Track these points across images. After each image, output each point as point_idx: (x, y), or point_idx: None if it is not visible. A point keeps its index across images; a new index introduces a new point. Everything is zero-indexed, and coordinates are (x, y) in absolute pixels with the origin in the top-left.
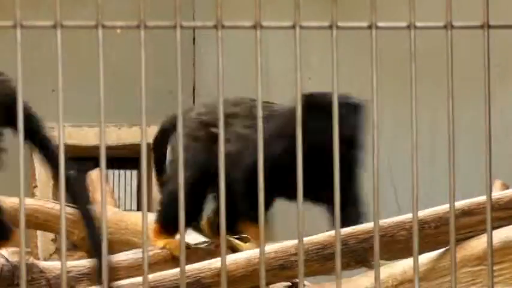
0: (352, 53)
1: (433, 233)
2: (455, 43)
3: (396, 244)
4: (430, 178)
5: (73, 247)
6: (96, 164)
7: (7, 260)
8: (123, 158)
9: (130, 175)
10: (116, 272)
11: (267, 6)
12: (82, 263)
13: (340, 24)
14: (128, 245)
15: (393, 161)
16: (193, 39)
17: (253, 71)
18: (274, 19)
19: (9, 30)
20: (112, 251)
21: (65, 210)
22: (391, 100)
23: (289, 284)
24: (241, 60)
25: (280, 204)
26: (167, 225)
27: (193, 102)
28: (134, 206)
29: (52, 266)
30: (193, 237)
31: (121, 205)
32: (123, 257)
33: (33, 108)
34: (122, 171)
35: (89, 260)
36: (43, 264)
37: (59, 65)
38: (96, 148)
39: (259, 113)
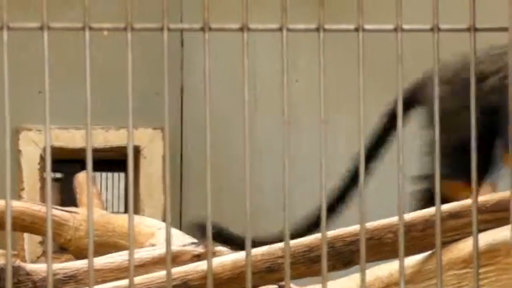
0: (340, 56)
1: (419, 236)
2: (443, 46)
3: (383, 246)
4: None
5: (60, 250)
6: (83, 166)
7: None
8: (110, 161)
9: (118, 177)
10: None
11: (255, 8)
12: (69, 266)
13: (327, 26)
14: (116, 248)
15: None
16: (181, 41)
17: (240, 73)
18: (262, 21)
19: None
20: (99, 253)
21: (51, 213)
22: (378, 102)
23: (276, 286)
24: (229, 63)
25: (266, 206)
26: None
27: (181, 104)
28: (122, 209)
29: (39, 268)
30: (181, 240)
31: (108, 207)
32: (109, 259)
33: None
34: (109, 174)
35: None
36: (30, 266)
37: (45, 67)
38: (83, 150)
39: (246, 116)
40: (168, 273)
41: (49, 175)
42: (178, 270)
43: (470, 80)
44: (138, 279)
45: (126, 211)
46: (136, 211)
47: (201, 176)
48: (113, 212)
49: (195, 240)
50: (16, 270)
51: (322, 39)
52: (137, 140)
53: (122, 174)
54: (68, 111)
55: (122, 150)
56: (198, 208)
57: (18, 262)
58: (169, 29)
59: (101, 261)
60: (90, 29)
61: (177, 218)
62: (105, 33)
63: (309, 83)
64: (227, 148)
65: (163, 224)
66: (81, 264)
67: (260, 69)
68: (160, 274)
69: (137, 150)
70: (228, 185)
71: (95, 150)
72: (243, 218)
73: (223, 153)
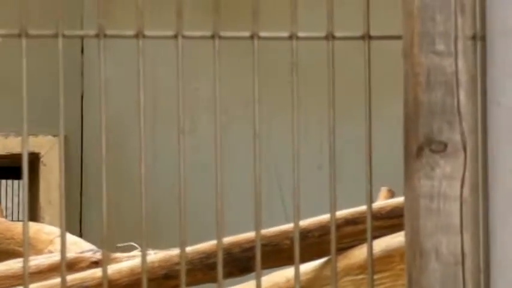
0: (238, 63)
1: (316, 242)
2: (341, 53)
3: (280, 253)
4: (317, 187)
5: None
6: None
7: None
8: (10, 168)
9: (18, 185)
10: None
11: (153, 16)
12: None
13: (222, 34)
14: (14, 255)
15: (281, 170)
16: (82, 48)
17: (137, 80)
18: (162, 28)
19: None
20: None
21: None
22: (278, 110)
23: None
24: (128, 70)
25: (168, 211)
26: None
27: (81, 111)
28: (22, 217)
29: None
30: (80, 246)
31: (8, 215)
32: (6, 267)
33: None
34: (9, 181)
35: None
36: None
37: None
38: None
39: (142, 123)
40: (63, 280)
41: None
42: (74, 277)
43: (367, 89)
44: (33, 286)
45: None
46: (36, 218)
47: (101, 181)
48: (12, 220)
49: (94, 247)
50: None
51: (217, 47)
52: (37, 147)
53: (22, 182)
54: None
55: (21, 158)
56: (98, 214)
57: None
58: (64, 36)
59: None
60: None
61: (76, 224)
62: (0, 39)
63: (209, 90)
64: (126, 153)
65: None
66: None
67: (159, 76)
68: (56, 281)
69: (37, 158)
70: (127, 191)
71: None
72: (141, 224)
73: (122, 159)
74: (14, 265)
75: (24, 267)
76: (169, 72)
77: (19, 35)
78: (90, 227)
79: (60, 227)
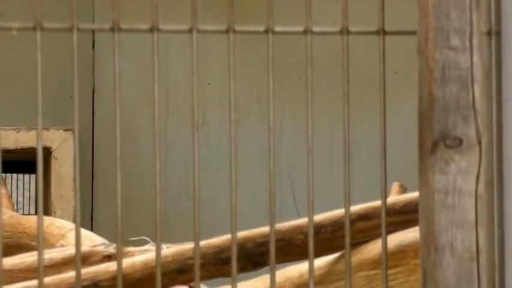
0: (251, 58)
1: (329, 237)
2: (354, 49)
3: (293, 248)
4: (329, 183)
5: None
6: None
7: None
8: (21, 162)
9: (29, 179)
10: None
11: (167, 10)
12: None
13: (237, 28)
14: (26, 249)
15: (292, 167)
16: (93, 42)
17: (152, 74)
18: (175, 23)
19: None
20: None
21: None
22: (290, 105)
23: (186, 287)
24: (141, 64)
25: (180, 205)
26: None
27: (93, 106)
28: (33, 210)
29: None
30: (92, 240)
31: (19, 209)
32: (19, 260)
33: None
34: (20, 175)
35: None
36: None
37: None
38: None
39: (156, 115)
40: (78, 274)
41: None
42: (88, 271)
43: (382, 84)
44: (47, 280)
45: (37, 213)
46: (48, 212)
47: (112, 176)
48: (23, 214)
49: (106, 241)
50: None
51: (232, 41)
52: (48, 141)
53: (33, 176)
54: None
55: (32, 152)
56: (109, 208)
57: None
58: (78, 29)
59: (11, 262)
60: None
61: (88, 218)
62: (14, 33)
63: (221, 85)
64: (138, 148)
65: (74, 225)
66: None
67: (172, 71)
68: (70, 275)
69: (48, 152)
70: (138, 185)
71: (6, 151)
72: (152, 218)
73: (133, 154)
74: (26, 258)
75: (38, 260)
76: (181, 67)
77: (34, 28)
78: (101, 221)
79: (75, 221)
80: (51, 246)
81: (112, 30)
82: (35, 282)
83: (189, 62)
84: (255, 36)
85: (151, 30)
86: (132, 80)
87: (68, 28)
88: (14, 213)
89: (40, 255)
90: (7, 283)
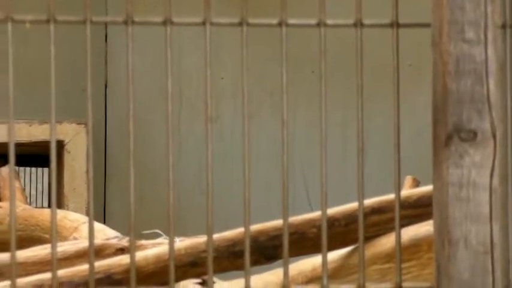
0: (264, 51)
1: (343, 231)
2: (368, 42)
3: (306, 241)
4: (342, 176)
5: None
6: (6, 160)
7: None
8: (34, 155)
9: (42, 172)
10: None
11: (180, 3)
12: None
13: (250, 21)
14: (39, 242)
15: (306, 160)
16: (106, 36)
17: (165, 67)
18: (188, 16)
19: None
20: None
21: None
22: (303, 99)
23: (199, 280)
24: (154, 57)
25: (193, 199)
26: None
27: (105, 99)
28: (45, 203)
29: None
30: (105, 233)
31: (32, 202)
32: (32, 253)
33: None
34: (33, 169)
35: None
36: None
37: None
38: (6, 145)
39: (169, 108)
40: (91, 267)
41: None
42: (101, 264)
43: (396, 77)
44: (61, 273)
45: (49, 206)
46: (60, 206)
47: (124, 170)
48: (36, 207)
49: (119, 234)
50: None
51: (245, 34)
52: (61, 135)
53: (46, 169)
54: None
55: (45, 145)
56: (121, 202)
57: None
58: (92, 22)
59: (24, 255)
60: (13, 20)
61: (101, 212)
62: (28, 25)
63: (234, 79)
64: (150, 142)
65: (86, 218)
66: (3, 257)
67: (185, 64)
68: (83, 267)
69: (61, 145)
70: (151, 179)
71: (19, 145)
72: (165, 212)
73: (146, 148)
74: (40, 251)
75: (52, 253)
76: (194, 61)
77: (47, 21)
78: (114, 214)
79: (89, 215)
80: (64, 239)
81: (125, 23)
82: (48, 275)
83: (202, 55)
84: (268, 29)
85: (165, 23)
86: (145, 73)
87: (81, 21)
88: (27, 206)
89: (54, 248)
90: (21, 276)
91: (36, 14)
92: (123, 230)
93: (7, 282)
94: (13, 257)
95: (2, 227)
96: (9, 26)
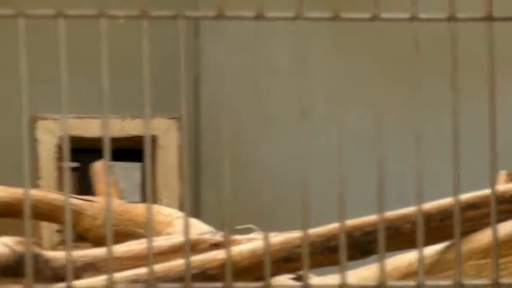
0: (356, 46)
1: (438, 226)
2: (462, 35)
3: (401, 236)
4: (436, 171)
5: (78, 238)
6: (100, 155)
7: (13, 249)
8: (126, 150)
9: (134, 167)
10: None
11: None
12: (87, 253)
13: (343, 16)
14: (133, 237)
15: (400, 155)
16: (196, 30)
17: (256, 61)
18: (280, 10)
19: (10, 20)
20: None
21: (69, 201)
22: (396, 94)
23: (293, 276)
24: (244, 52)
25: (284, 195)
26: None
27: (197, 94)
28: (137, 198)
29: (57, 256)
30: (199, 228)
31: (125, 197)
32: (128, 248)
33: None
34: (125, 163)
35: (92, 250)
36: (48, 254)
37: (61, 56)
38: (100, 140)
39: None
40: (187, 262)
41: (68, 164)
42: (196, 259)
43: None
44: (157, 267)
45: (142, 201)
46: (153, 201)
47: (217, 164)
48: (129, 202)
49: (213, 229)
50: (35, 257)
51: (337, 29)
52: (154, 130)
53: (138, 164)
54: (84, 100)
55: (138, 139)
56: (214, 197)
57: (37, 250)
58: (185, 17)
59: (120, 250)
60: (106, 16)
61: (193, 206)
62: (121, 21)
63: (326, 73)
64: (243, 136)
65: (180, 213)
66: (99, 252)
67: (277, 58)
68: (178, 262)
69: (154, 140)
70: (243, 174)
71: (112, 140)
72: (258, 207)
73: (239, 142)
74: (135, 246)
75: (148, 248)
76: (284, 55)
77: (140, 16)
78: (207, 209)
79: (183, 210)
80: (158, 234)
81: (217, 18)
82: (144, 270)
83: (294, 49)
84: (360, 24)
85: (257, 17)
86: (236, 67)
87: (174, 16)
88: (121, 201)
89: (149, 243)
90: (117, 270)
91: (128, 9)
92: (216, 225)
93: (104, 277)
94: (109, 251)
95: (97, 222)
96: (103, 22)
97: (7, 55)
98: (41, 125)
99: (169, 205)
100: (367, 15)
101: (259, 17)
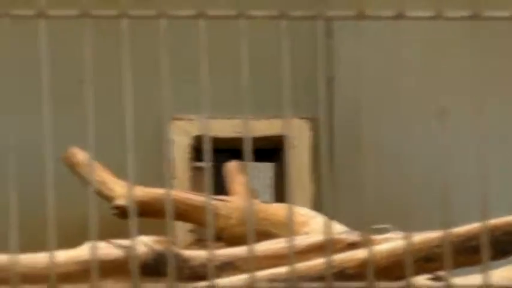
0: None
1: None
2: None
3: None
4: None
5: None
6: (232, 155)
7: (152, 248)
8: (258, 150)
9: (266, 167)
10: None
11: None
12: (225, 253)
13: (485, 15)
14: (269, 236)
15: None
16: (329, 30)
17: (392, 62)
18: (418, 8)
19: (152, 20)
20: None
21: (210, 201)
22: None
23: (431, 276)
24: (380, 50)
25: (423, 195)
26: None
27: (330, 94)
28: (268, 198)
29: (195, 255)
30: (335, 228)
31: (260, 197)
32: (265, 247)
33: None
34: (257, 163)
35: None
36: (186, 253)
37: (203, 57)
38: (233, 140)
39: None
40: (328, 262)
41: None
42: (334, 259)
43: None
44: (297, 267)
45: (274, 200)
46: (288, 200)
47: (352, 164)
48: (262, 202)
49: (348, 229)
50: (175, 257)
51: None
52: (286, 130)
53: (270, 164)
54: (217, 101)
55: (271, 140)
56: (350, 196)
57: (176, 249)
58: (324, 18)
59: (258, 249)
60: (245, 17)
61: (328, 206)
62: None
63: (458, 72)
64: (377, 136)
65: (315, 213)
66: (238, 251)
67: (414, 58)
68: (317, 262)
69: (286, 140)
70: (377, 173)
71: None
72: (392, 207)
73: (373, 142)
74: (273, 245)
75: (288, 247)
76: (414, 52)
77: (279, 17)
78: (342, 209)
79: (319, 210)
80: (295, 233)
81: (358, 17)
82: (283, 269)
83: (430, 48)
84: (499, 23)
85: (397, 17)
86: (373, 66)
87: (311, 16)
88: (255, 201)
89: (290, 242)
90: (256, 269)
91: (266, 9)
92: (352, 225)
93: (244, 276)
94: (251, 250)
95: (231, 221)
96: (241, 22)
97: (145, 55)
98: (176, 125)
99: (301, 205)
100: (506, 14)
101: (399, 16)
